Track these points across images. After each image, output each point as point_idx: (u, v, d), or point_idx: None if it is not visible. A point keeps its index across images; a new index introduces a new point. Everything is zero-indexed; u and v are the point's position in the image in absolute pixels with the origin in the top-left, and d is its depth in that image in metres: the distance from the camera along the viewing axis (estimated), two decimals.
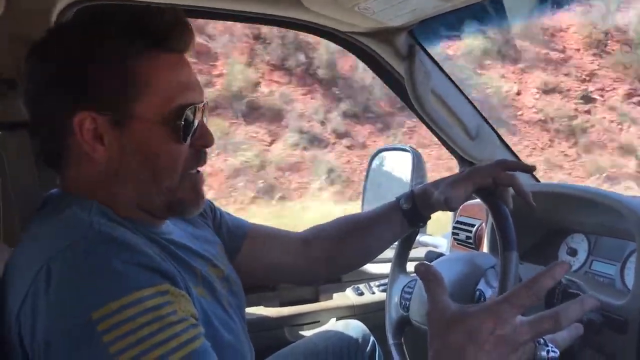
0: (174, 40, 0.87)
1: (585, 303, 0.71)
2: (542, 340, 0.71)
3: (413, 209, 1.22)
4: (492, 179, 1.13)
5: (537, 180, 1.83)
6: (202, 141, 0.92)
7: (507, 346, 0.69)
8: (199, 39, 9.32)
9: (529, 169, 1.21)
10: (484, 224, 1.69)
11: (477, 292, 1.22)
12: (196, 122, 0.89)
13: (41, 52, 0.87)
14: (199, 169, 0.94)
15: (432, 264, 1.39)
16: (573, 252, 1.41)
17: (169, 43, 0.87)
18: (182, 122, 0.86)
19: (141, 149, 0.85)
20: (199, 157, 0.92)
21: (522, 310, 0.70)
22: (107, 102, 0.83)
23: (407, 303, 1.33)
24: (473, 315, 0.71)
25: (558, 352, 0.72)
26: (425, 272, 0.78)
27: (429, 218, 1.25)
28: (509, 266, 1.03)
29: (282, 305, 1.89)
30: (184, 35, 0.88)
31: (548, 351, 0.71)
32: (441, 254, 1.77)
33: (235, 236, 1.21)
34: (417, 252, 2.01)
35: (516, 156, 1.92)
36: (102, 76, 0.83)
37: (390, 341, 1.37)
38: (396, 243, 1.40)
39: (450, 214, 1.94)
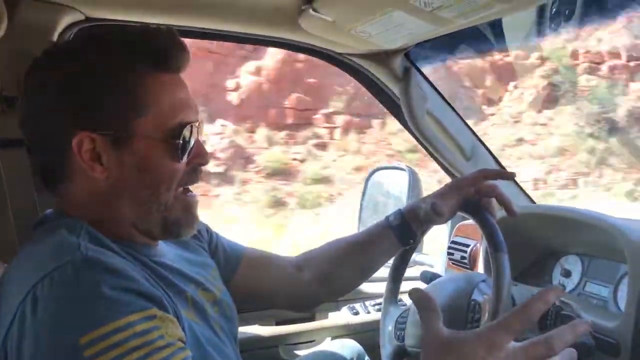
0: (171, 60, 0.89)
1: (577, 327, 0.71)
2: None
3: (402, 225, 1.23)
4: (476, 190, 1.17)
5: (530, 198, 1.84)
6: (199, 159, 0.93)
7: None
8: None
9: (509, 176, 1.26)
10: (478, 245, 1.70)
11: (472, 302, 1.23)
12: (192, 140, 0.90)
13: (41, 72, 0.88)
14: (193, 192, 0.96)
15: (428, 285, 1.40)
16: (567, 274, 1.42)
17: (167, 63, 0.88)
18: (180, 141, 0.87)
19: (140, 167, 0.86)
20: (195, 174, 0.94)
21: (515, 335, 0.70)
22: (106, 121, 0.84)
23: (402, 333, 1.32)
24: (466, 341, 0.71)
25: None
26: (419, 298, 0.79)
27: (419, 235, 1.26)
28: (501, 267, 1.05)
29: (277, 324, 1.88)
30: (180, 56, 0.90)
31: None
32: (436, 274, 1.78)
33: (231, 259, 1.22)
34: (412, 272, 2.01)
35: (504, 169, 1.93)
36: (102, 96, 0.84)
37: None
38: (389, 271, 1.39)
39: (446, 233, 1.95)
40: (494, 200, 1.16)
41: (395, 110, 1.78)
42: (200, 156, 0.93)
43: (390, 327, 1.36)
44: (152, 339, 0.72)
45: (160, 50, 0.87)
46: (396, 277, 1.40)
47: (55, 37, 1.26)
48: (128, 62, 0.85)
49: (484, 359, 0.69)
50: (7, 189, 1.20)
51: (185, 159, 0.90)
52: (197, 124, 0.91)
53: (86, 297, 0.72)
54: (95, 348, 0.68)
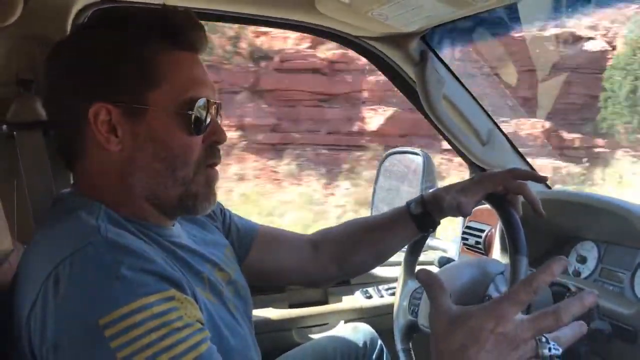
0: (187, 39, 0.90)
1: (585, 299, 0.73)
2: (544, 339, 0.72)
3: (423, 214, 1.22)
4: (503, 186, 1.14)
5: (548, 188, 1.82)
6: (215, 137, 0.94)
7: (508, 344, 0.70)
8: None
9: (541, 179, 1.20)
10: (493, 230, 1.69)
11: (487, 298, 1.22)
12: (208, 117, 0.91)
13: (60, 50, 0.90)
14: (215, 166, 0.96)
15: (441, 269, 1.39)
16: (583, 260, 1.41)
17: (185, 41, 0.90)
18: (194, 114, 0.88)
19: (154, 139, 0.87)
20: (212, 153, 0.94)
21: (522, 307, 0.72)
22: (121, 92, 0.85)
23: (416, 308, 1.33)
24: (474, 315, 0.72)
25: (560, 350, 0.72)
26: (427, 277, 0.79)
27: (439, 223, 1.26)
28: (518, 271, 1.03)
29: (291, 307, 1.89)
30: (196, 35, 0.91)
31: (550, 349, 0.71)
32: (451, 259, 1.77)
33: (245, 238, 1.22)
34: (426, 256, 2.01)
35: (527, 162, 1.92)
36: (118, 67, 0.86)
37: (399, 347, 1.37)
38: (405, 247, 1.40)
39: (459, 218, 1.94)
40: (520, 197, 1.13)
41: (411, 94, 1.77)
42: (216, 134, 0.94)
43: (405, 302, 1.37)
44: (171, 320, 0.73)
45: (176, 28, 0.88)
46: (414, 250, 1.40)
47: (70, 20, 1.26)
48: (144, 37, 0.87)
49: (492, 331, 0.70)
50: (24, 171, 1.20)
51: (200, 134, 0.90)
52: (213, 102, 0.92)
53: (106, 279, 0.72)
54: (116, 328, 0.69)
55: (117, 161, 0.87)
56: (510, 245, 1.06)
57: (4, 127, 1.21)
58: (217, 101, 0.94)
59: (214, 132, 0.93)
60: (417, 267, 1.41)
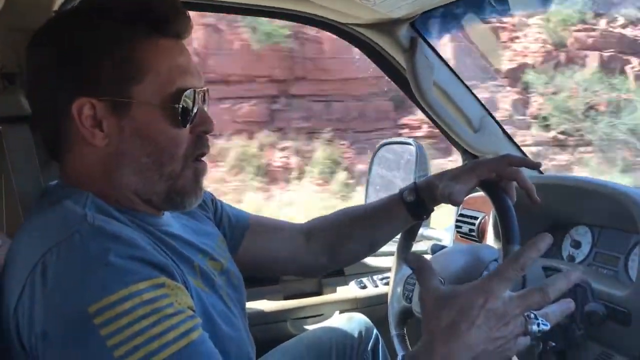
0: (173, 26, 0.88)
1: (571, 275, 0.78)
2: (532, 315, 0.75)
3: (416, 202, 1.21)
4: (496, 173, 1.13)
5: (541, 173, 1.82)
6: (202, 127, 0.92)
7: (498, 319, 0.73)
8: None
9: (535, 165, 1.20)
10: (487, 217, 1.68)
11: None
12: (195, 107, 0.89)
13: (41, 40, 0.88)
14: (203, 158, 0.94)
15: (434, 255, 1.39)
16: (577, 245, 1.41)
17: (168, 28, 0.88)
18: (181, 106, 0.86)
19: (141, 133, 0.85)
20: (201, 143, 0.92)
21: (510, 283, 0.75)
22: (106, 86, 0.83)
23: (410, 294, 1.33)
24: (463, 293, 0.75)
25: (549, 325, 0.75)
26: (416, 260, 0.82)
27: (432, 211, 1.25)
28: None
29: (285, 298, 1.89)
30: (179, 21, 0.89)
31: (539, 324, 0.74)
32: (444, 247, 1.77)
33: (237, 228, 1.21)
34: (420, 246, 2.01)
35: (519, 149, 1.91)
36: (101, 61, 0.83)
37: (393, 332, 1.37)
38: (399, 235, 1.39)
39: (453, 206, 1.94)
40: (513, 183, 1.12)
41: (401, 81, 1.76)
42: (203, 124, 0.92)
43: (399, 288, 1.37)
44: (161, 307, 0.72)
45: (158, 15, 0.86)
46: (408, 237, 1.40)
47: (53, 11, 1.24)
48: (125, 27, 0.85)
49: (482, 307, 0.73)
50: (12, 165, 1.19)
51: (187, 126, 0.89)
52: (200, 91, 0.90)
53: (94, 266, 0.72)
54: (105, 316, 0.68)
55: (103, 155, 0.86)
56: (503, 235, 1.06)
57: None
58: (203, 88, 0.92)
59: (201, 122, 0.91)
60: None
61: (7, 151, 1.19)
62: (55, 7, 1.24)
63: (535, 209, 1.11)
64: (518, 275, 0.75)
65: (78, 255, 0.73)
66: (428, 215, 1.26)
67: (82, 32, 0.85)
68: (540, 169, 1.80)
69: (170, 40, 0.88)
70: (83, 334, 0.69)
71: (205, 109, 0.94)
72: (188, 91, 0.87)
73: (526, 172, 1.12)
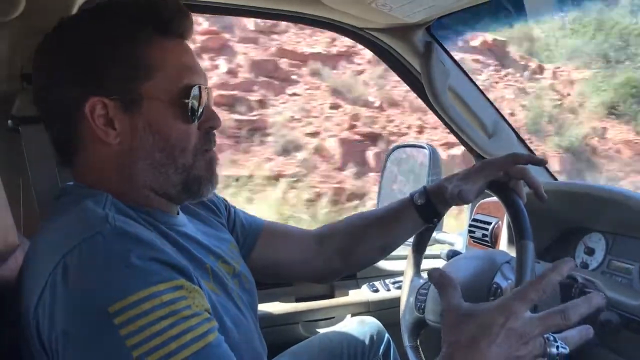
0: (173, 26, 0.91)
1: (592, 300, 0.77)
2: (552, 337, 0.75)
3: (427, 205, 1.22)
4: (504, 172, 1.14)
5: (555, 179, 1.81)
6: (209, 123, 0.94)
7: (518, 339, 0.73)
8: None
9: (541, 162, 1.20)
10: (500, 222, 1.68)
11: (494, 285, 1.22)
12: (202, 104, 0.91)
13: (51, 43, 0.90)
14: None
15: (449, 261, 1.39)
16: (590, 252, 1.40)
17: (172, 29, 0.90)
18: (189, 101, 0.89)
19: (152, 129, 0.87)
20: (208, 139, 0.95)
21: (531, 304, 0.75)
22: (116, 85, 0.85)
23: (423, 304, 1.32)
24: (484, 311, 0.76)
25: (568, 349, 0.75)
26: (439, 277, 0.83)
27: (443, 214, 1.25)
28: (525, 255, 1.02)
29: (297, 300, 1.89)
30: (182, 21, 0.92)
31: (558, 347, 0.74)
32: (457, 252, 1.76)
33: (249, 234, 1.22)
34: (433, 250, 2.00)
35: (531, 151, 1.91)
36: (111, 61, 0.86)
37: (406, 343, 1.36)
38: (411, 244, 1.39)
39: (466, 211, 1.93)
40: (522, 182, 1.13)
41: (416, 85, 1.76)
42: (210, 120, 0.94)
43: (411, 299, 1.36)
44: (179, 309, 0.73)
45: (162, 16, 0.89)
46: (419, 247, 1.40)
47: (75, 12, 1.26)
48: (132, 28, 0.87)
49: (502, 326, 0.73)
50: (29, 165, 1.21)
51: (196, 121, 0.91)
52: (205, 88, 0.93)
53: (115, 267, 0.73)
54: (125, 316, 0.69)
55: (117, 153, 0.88)
56: (515, 230, 1.06)
57: (9, 122, 1.21)
58: (207, 87, 0.94)
59: (209, 119, 0.94)
60: (423, 262, 1.41)
61: (26, 151, 1.21)
62: (75, 9, 1.26)
63: (548, 214, 1.11)
64: (540, 297, 0.75)
65: (100, 256, 0.73)
66: (438, 219, 1.26)
67: (90, 34, 0.87)
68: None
69: (175, 40, 0.91)
70: (103, 333, 0.69)
71: (211, 105, 0.97)
72: (195, 87, 0.89)
73: (544, 178, 1.13)
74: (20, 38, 1.21)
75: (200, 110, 0.91)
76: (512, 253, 1.38)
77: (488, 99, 1.81)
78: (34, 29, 1.19)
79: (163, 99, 0.87)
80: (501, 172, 1.14)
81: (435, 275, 0.83)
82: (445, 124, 1.78)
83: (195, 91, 0.89)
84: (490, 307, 0.76)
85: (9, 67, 1.21)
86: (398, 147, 2.19)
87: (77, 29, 0.90)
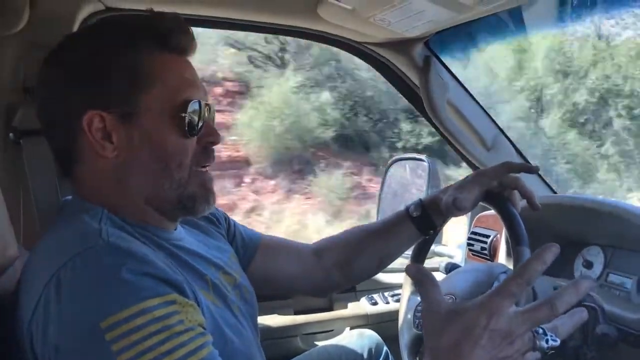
0: (175, 42, 0.91)
1: (580, 285, 0.71)
2: (540, 330, 0.71)
3: (422, 217, 1.22)
4: (498, 182, 1.14)
5: (554, 192, 1.82)
6: (209, 138, 0.94)
7: (503, 339, 0.69)
8: None
9: (533, 170, 1.21)
10: (499, 235, 1.68)
11: None
12: (202, 118, 0.91)
13: (54, 57, 0.91)
14: (207, 168, 0.96)
15: (448, 275, 1.39)
16: (589, 265, 1.40)
17: (170, 44, 0.90)
18: (187, 116, 0.88)
19: (149, 143, 0.87)
20: (207, 154, 0.95)
21: (514, 299, 0.70)
22: (113, 99, 0.86)
23: (421, 321, 1.32)
24: (466, 311, 0.72)
25: (559, 341, 0.71)
26: (417, 272, 0.79)
27: (440, 226, 1.25)
28: (522, 261, 1.03)
29: (296, 313, 1.89)
30: (184, 38, 0.92)
31: (547, 340, 0.71)
32: (456, 265, 1.77)
33: (249, 247, 1.22)
34: (431, 263, 2.00)
35: (528, 163, 1.91)
36: (107, 75, 0.86)
37: None
38: (409, 256, 1.39)
39: (465, 225, 1.94)
40: (516, 192, 1.14)
41: (414, 99, 1.77)
42: (210, 135, 0.94)
43: (409, 315, 1.36)
44: (171, 324, 0.73)
45: (164, 32, 0.89)
46: (418, 260, 1.39)
47: (75, 28, 1.27)
48: (132, 42, 0.88)
49: (485, 327, 0.69)
50: (30, 177, 1.21)
51: (194, 136, 0.91)
52: (205, 103, 0.93)
53: (107, 282, 0.73)
54: (116, 332, 0.69)
55: (113, 166, 0.88)
56: (512, 237, 1.06)
57: (11, 134, 1.22)
58: (208, 103, 0.94)
59: (208, 134, 0.94)
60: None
61: (27, 163, 1.21)
62: (77, 23, 1.28)
63: (547, 228, 1.11)
64: (523, 289, 0.70)
65: (92, 271, 0.74)
66: (435, 231, 1.26)
67: (90, 48, 0.88)
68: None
69: (175, 55, 0.91)
70: (94, 349, 0.69)
71: (212, 121, 0.97)
72: (194, 102, 0.89)
73: (541, 191, 1.13)
74: (22, 51, 1.22)
75: (200, 124, 0.91)
76: (511, 266, 1.38)
77: (487, 113, 1.82)
78: (36, 43, 1.21)
79: (161, 112, 0.87)
80: (495, 181, 1.14)
81: (413, 271, 0.79)
82: (444, 137, 1.79)
83: (194, 105, 0.89)
84: (472, 306, 0.71)
85: (12, 80, 1.22)
86: (397, 159, 2.20)
87: (79, 43, 0.91)
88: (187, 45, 0.93)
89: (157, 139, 0.88)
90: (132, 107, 0.86)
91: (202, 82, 0.95)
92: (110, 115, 0.86)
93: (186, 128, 0.89)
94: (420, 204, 1.23)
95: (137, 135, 0.87)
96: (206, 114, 0.93)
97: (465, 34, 1.64)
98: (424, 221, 1.22)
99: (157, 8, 1.36)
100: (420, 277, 0.78)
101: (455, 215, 1.21)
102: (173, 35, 0.90)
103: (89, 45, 0.89)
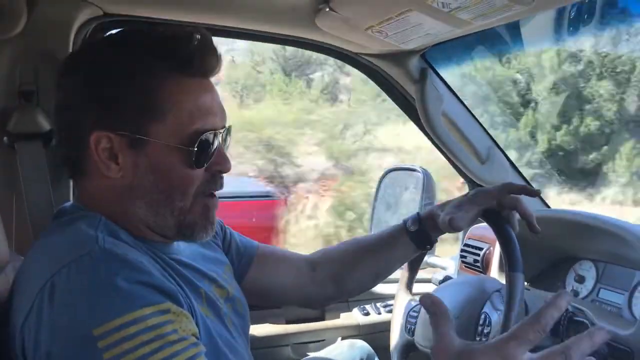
0: (198, 65, 0.87)
1: (595, 336, 0.69)
2: None
3: (420, 231, 1.21)
4: (497, 202, 1.13)
5: (547, 207, 1.82)
6: (218, 167, 0.92)
7: None
8: None
9: (534, 193, 1.21)
10: (492, 248, 1.68)
11: (483, 315, 1.22)
12: (213, 148, 0.89)
13: (71, 66, 0.90)
14: (215, 192, 0.95)
15: (439, 287, 1.39)
16: (581, 279, 1.40)
17: (193, 68, 0.87)
18: (196, 149, 0.86)
19: (155, 171, 0.86)
20: (214, 181, 0.93)
21: (530, 346, 0.68)
22: (123, 122, 0.84)
23: (413, 327, 1.32)
24: (480, 354, 0.69)
25: None
26: (431, 304, 0.77)
27: (436, 240, 1.25)
28: (514, 287, 1.03)
29: (288, 322, 1.88)
30: (207, 60, 0.88)
31: None
32: (447, 277, 1.77)
33: (244, 257, 1.21)
34: (424, 273, 2.00)
35: (525, 180, 1.92)
36: (120, 97, 0.85)
37: None
38: (402, 268, 1.39)
39: (459, 236, 1.94)
40: (515, 213, 1.12)
41: (410, 110, 1.78)
42: (219, 163, 0.92)
43: (401, 320, 1.36)
44: (164, 333, 0.72)
45: (184, 54, 0.86)
46: (411, 269, 1.40)
47: (72, 33, 1.27)
48: (148, 63, 0.85)
49: None
50: (24, 182, 1.21)
51: (202, 166, 0.89)
52: (220, 131, 0.90)
53: (101, 289, 0.72)
54: (109, 340, 0.69)
55: (117, 186, 0.87)
56: (506, 262, 1.06)
57: (5, 138, 1.21)
58: (224, 127, 0.92)
59: (218, 162, 0.92)
60: (415, 285, 1.41)
61: (21, 168, 1.21)
62: (74, 29, 1.27)
63: (540, 242, 1.11)
64: (540, 336, 0.68)
65: (86, 278, 0.73)
66: (431, 245, 1.25)
67: (107, 63, 0.86)
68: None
69: (194, 79, 0.88)
70: (86, 356, 0.69)
71: (225, 147, 0.95)
72: (207, 134, 0.87)
73: (533, 205, 1.13)
74: (19, 56, 1.22)
75: (209, 155, 0.89)
76: (503, 280, 1.39)
77: (482, 126, 1.82)
78: (32, 48, 1.22)
79: (170, 143, 0.85)
80: (494, 201, 1.13)
81: (428, 303, 0.77)
82: (439, 149, 1.79)
83: (205, 136, 0.87)
84: (486, 350, 0.69)
85: (7, 84, 1.22)
86: (391, 169, 2.19)
87: (96, 56, 0.89)
88: (210, 69, 0.90)
89: (163, 169, 0.86)
90: (141, 134, 0.84)
91: (220, 103, 0.92)
92: (119, 137, 0.84)
93: (193, 159, 0.87)
94: (418, 219, 1.22)
95: (143, 162, 0.86)
96: (218, 142, 0.90)
97: (461, 47, 1.65)
98: (421, 236, 1.21)
99: (156, 15, 1.37)
100: (434, 310, 0.76)
101: (451, 232, 1.20)
102: (195, 60, 0.86)
103: (107, 59, 0.87)
